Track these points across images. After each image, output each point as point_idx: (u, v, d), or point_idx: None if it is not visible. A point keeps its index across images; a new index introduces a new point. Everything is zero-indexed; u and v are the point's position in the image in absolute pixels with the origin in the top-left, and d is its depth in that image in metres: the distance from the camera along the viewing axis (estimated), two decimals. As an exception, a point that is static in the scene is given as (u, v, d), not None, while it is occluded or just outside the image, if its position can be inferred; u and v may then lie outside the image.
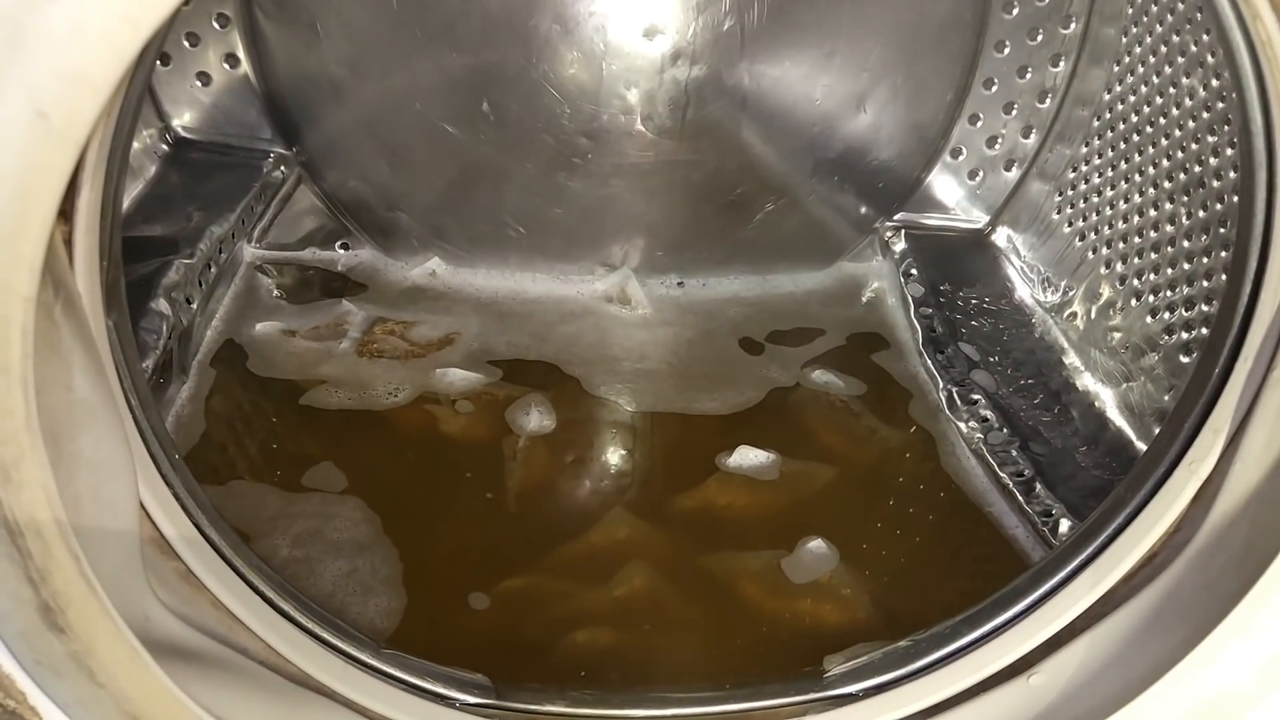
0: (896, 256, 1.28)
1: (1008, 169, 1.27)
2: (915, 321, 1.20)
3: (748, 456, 1.03)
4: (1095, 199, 1.13)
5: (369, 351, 1.13)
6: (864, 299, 1.29)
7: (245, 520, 0.90)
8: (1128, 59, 1.09)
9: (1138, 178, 1.06)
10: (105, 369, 0.57)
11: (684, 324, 1.23)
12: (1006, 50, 1.20)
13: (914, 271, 1.25)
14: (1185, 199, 0.98)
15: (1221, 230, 0.92)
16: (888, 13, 1.15)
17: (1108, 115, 1.13)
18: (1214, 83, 0.93)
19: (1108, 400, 1.06)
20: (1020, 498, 0.97)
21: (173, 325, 0.99)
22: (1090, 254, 1.13)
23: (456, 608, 0.86)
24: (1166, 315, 0.99)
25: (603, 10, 1.10)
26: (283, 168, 1.23)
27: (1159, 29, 1.02)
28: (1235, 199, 0.89)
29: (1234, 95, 0.58)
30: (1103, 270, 1.10)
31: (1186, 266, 0.97)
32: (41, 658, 0.50)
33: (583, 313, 1.24)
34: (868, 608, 0.89)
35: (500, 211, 1.24)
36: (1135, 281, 1.05)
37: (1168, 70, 1.01)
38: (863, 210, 1.30)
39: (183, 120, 1.22)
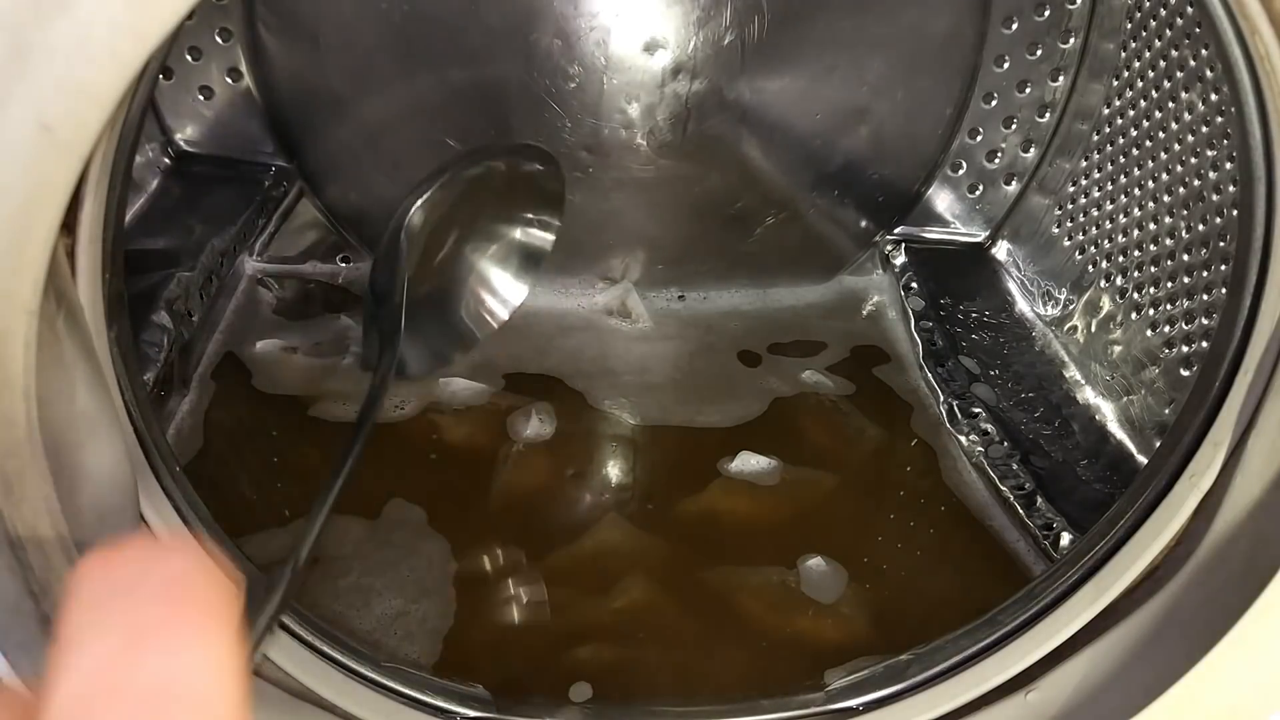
0: (897, 270, 1.28)
1: (1008, 183, 1.27)
2: (916, 335, 1.20)
3: (749, 463, 1.04)
4: (1095, 213, 1.13)
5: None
6: (864, 312, 1.29)
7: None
8: (1127, 73, 1.09)
9: (1137, 191, 1.06)
10: (107, 382, 0.57)
11: (685, 337, 1.24)
12: (1006, 65, 1.20)
13: (914, 285, 1.26)
14: (1185, 213, 0.98)
15: (1221, 244, 0.92)
16: (888, 28, 1.15)
17: (1107, 129, 1.13)
18: (1213, 97, 0.93)
19: (1108, 413, 1.06)
20: (1021, 511, 0.97)
21: (174, 338, 0.99)
22: (1090, 268, 1.13)
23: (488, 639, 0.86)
24: (1167, 329, 0.99)
25: (604, 25, 1.10)
26: (284, 181, 1.23)
27: (1158, 43, 1.03)
28: (1235, 213, 0.89)
29: (1233, 109, 0.58)
30: (1103, 284, 1.10)
31: (1186, 280, 0.97)
32: (42, 671, 0.50)
33: (584, 326, 1.24)
34: (868, 621, 0.89)
35: (501, 225, 1.24)
36: (1135, 295, 1.05)
37: (1167, 85, 1.01)
38: (863, 224, 1.30)
39: (185, 134, 1.22)
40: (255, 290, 1.22)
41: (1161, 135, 1.02)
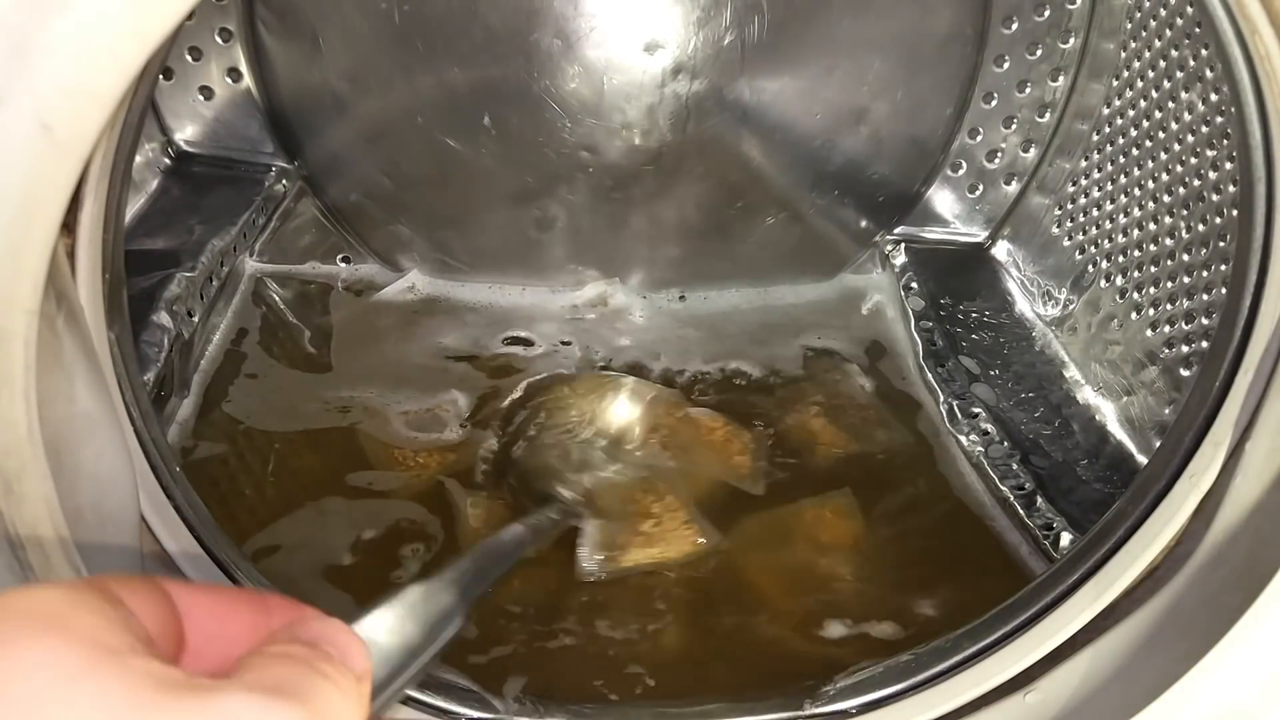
0: (897, 270, 1.28)
1: (1008, 182, 1.27)
2: (916, 335, 1.20)
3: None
4: (1095, 212, 1.13)
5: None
6: (864, 312, 1.29)
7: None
8: (1127, 73, 1.09)
9: (1137, 191, 1.06)
10: (107, 382, 0.57)
11: (685, 336, 1.24)
12: (1006, 64, 1.20)
13: (914, 285, 1.26)
14: (1185, 213, 0.98)
15: (1221, 244, 0.92)
16: (888, 27, 1.15)
17: (1107, 129, 1.13)
18: (1213, 97, 0.93)
19: (1108, 413, 1.06)
20: (1021, 511, 0.97)
21: (174, 338, 0.99)
22: (1090, 267, 1.13)
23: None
24: (1167, 328, 0.99)
25: (604, 25, 1.10)
26: (284, 181, 1.23)
27: (1158, 43, 1.03)
28: (1235, 213, 0.89)
29: (1233, 109, 0.58)
30: (1103, 284, 1.10)
31: (1186, 280, 0.97)
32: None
33: (584, 322, 1.24)
34: (869, 621, 0.88)
35: (502, 224, 1.24)
36: (1135, 295, 1.05)
37: (1167, 84, 1.01)
38: (863, 224, 1.30)
39: (185, 134, 1.22)
40: (254, 292, 1.22)
41: (1161, 135, 1.02)
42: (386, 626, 0.44)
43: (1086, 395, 1.09)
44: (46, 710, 0.28)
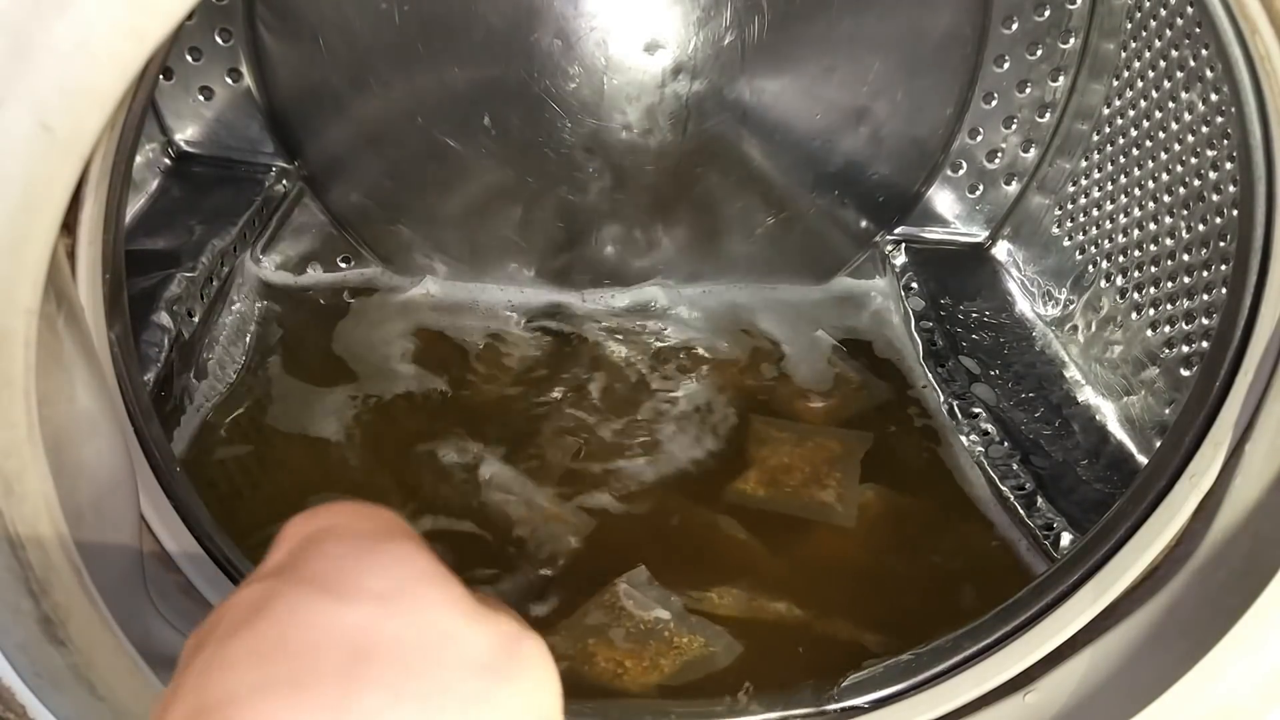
0: (897, 270, 1.28)
1: (1008, 183, 1.27)
2: (916, 335, 1.20)
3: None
4: (1095, 213, 1.13)
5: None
6: (864, 313, 1.29)
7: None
8: (1127, 73, 1.09)
9: (1137, 191, 1.06)
10: (107, 381, 0.57)
11: (682, 333, 1.24)
12: (1006, 64, 1.20)
13: (915, 285, 1.26)
14: (1185, 213, 0.98)
15: (1221, 244, 0.92)
16: (888, 28, 1.15)
17: (1107, 129, 1.13)
18: (1213, 97, 0.93)
19: (1109, 413, 1.06)
20: (1021, 511, 0.97)
21: (174, 338, 0.99)
22: (1090, 267, 1.13)
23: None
24: (1167, 329, 0.99)
25: (604, 25, 1.10)
26: (284, 182, 1.23)
27: (1158, 43, 1.03)
28: (1235, 213, 0.89)
29: (1233, 109, 0.58)
30: (1103, 284, 1.10)
31: (1186, 280, 0.97)
32: (42, 670, 0.50)
33: (579, 318, 1.24)
34: (870, 621, 0.88)
35: (501, 225, 1.24)
36: (1135, 295, 1.05)
37: (1167, 84, 1.01)
38: (863, 224, 1.30)
39: (185, 134, 1.22)
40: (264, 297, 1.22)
41: (1161, 135, 1.02)
42: None
43: (1086, 395, 1.09)
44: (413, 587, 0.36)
